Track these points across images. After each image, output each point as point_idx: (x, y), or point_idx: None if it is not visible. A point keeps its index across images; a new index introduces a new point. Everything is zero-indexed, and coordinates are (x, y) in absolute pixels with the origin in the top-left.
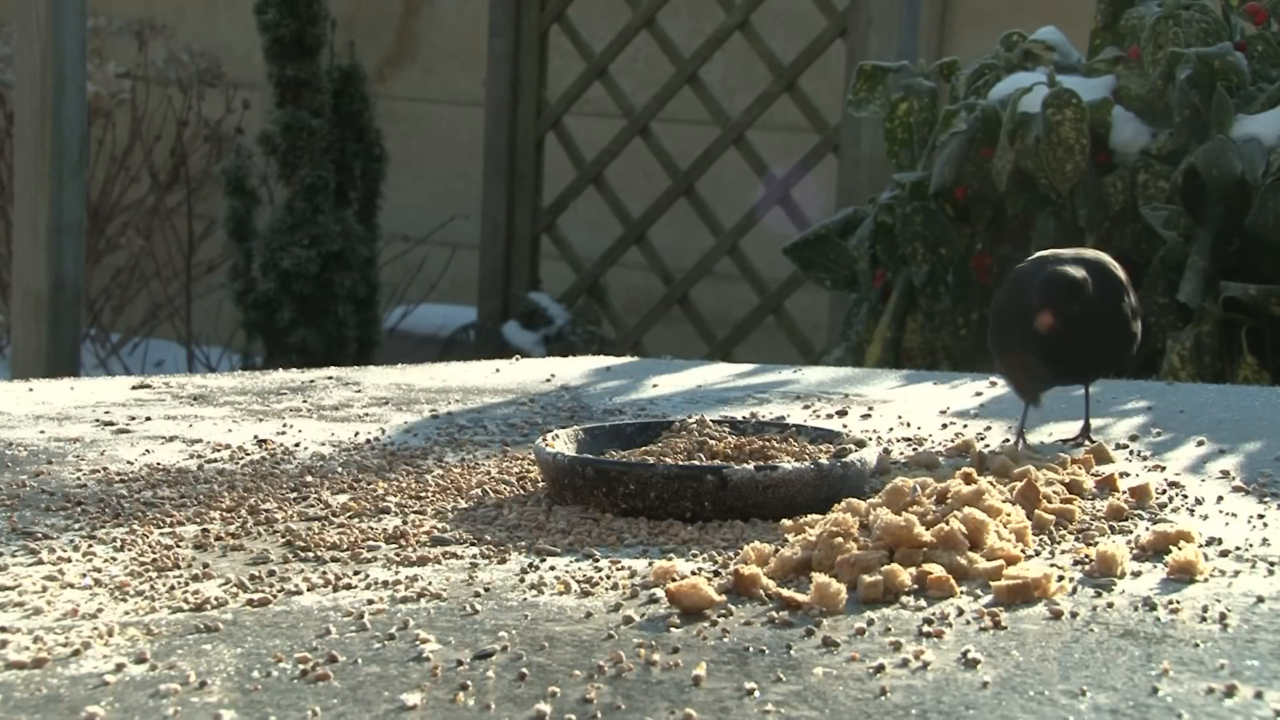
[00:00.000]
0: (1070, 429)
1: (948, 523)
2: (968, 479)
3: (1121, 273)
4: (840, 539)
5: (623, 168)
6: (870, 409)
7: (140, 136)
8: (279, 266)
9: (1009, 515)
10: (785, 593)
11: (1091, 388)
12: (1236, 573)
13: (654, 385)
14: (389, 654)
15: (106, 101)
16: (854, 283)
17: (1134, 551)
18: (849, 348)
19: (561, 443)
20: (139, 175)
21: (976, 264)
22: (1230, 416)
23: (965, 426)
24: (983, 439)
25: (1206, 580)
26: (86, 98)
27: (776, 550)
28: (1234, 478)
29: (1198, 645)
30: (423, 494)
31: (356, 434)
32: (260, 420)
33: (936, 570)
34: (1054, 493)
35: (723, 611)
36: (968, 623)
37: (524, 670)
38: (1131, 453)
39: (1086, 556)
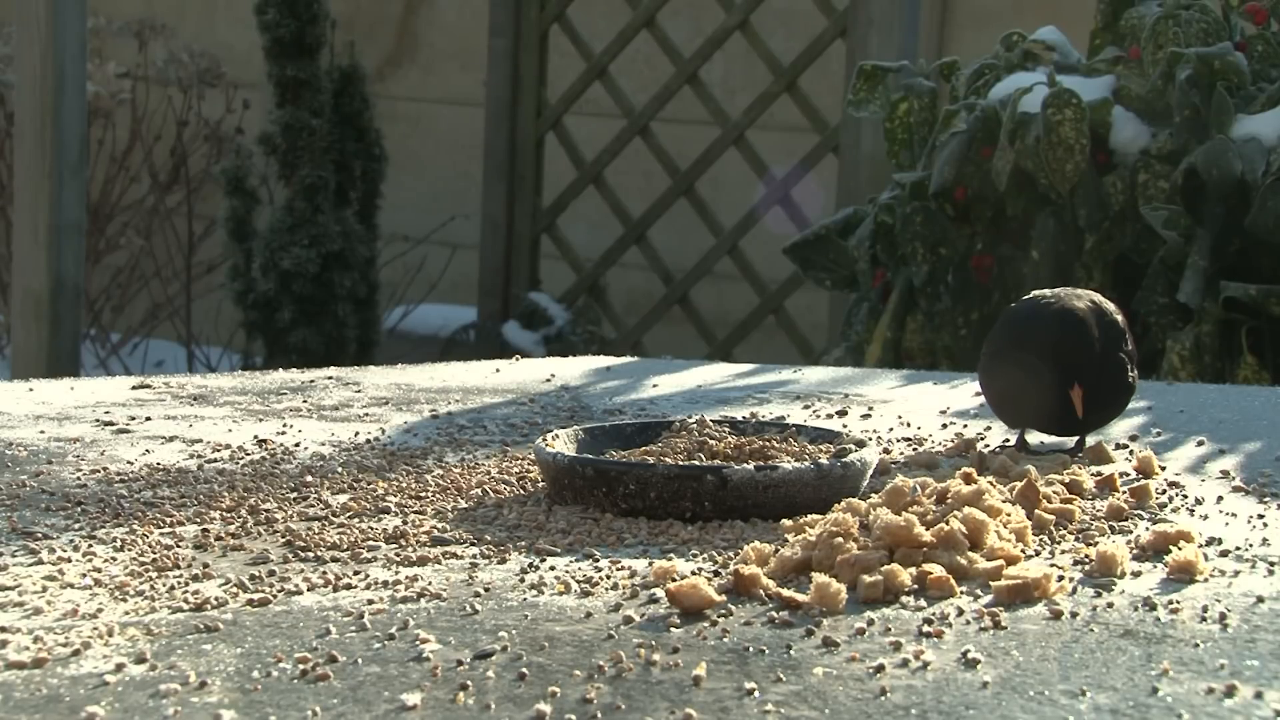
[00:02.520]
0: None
1: (948, 523)
2: (968, 479)
3: (1121, 317)
4: (840, 539)
5: (623, 168)
6: (870, 409)
7: (140, 136)
8: (279, 266)
9: (1009, 515)
10: (785, 593)
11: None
12: (1236, 573)
13: (654, 385)
14: (389, 654)
15: (106, 101)
16: (854, 283)
17: (1134, 551)
18: (849, 348)
19: (561, 443)
20: (139, 175)
21: (976, 264)
22: (1230, 416)
23: (965, 426)
24: (983, 439)
25: (1206, 580)
26: (86, 98)
27: (776, 550)
28: (1234, 478)
29: (1198, 645)
30: (423, 494)
31: (356, 434)
32: (260, 420)
33: (936, 570)
34: (1054, 493)
35: (723, 611)
36: (968, 623)
37: (524, 670)
38: (1131, 453)
39: (1086, 556)
